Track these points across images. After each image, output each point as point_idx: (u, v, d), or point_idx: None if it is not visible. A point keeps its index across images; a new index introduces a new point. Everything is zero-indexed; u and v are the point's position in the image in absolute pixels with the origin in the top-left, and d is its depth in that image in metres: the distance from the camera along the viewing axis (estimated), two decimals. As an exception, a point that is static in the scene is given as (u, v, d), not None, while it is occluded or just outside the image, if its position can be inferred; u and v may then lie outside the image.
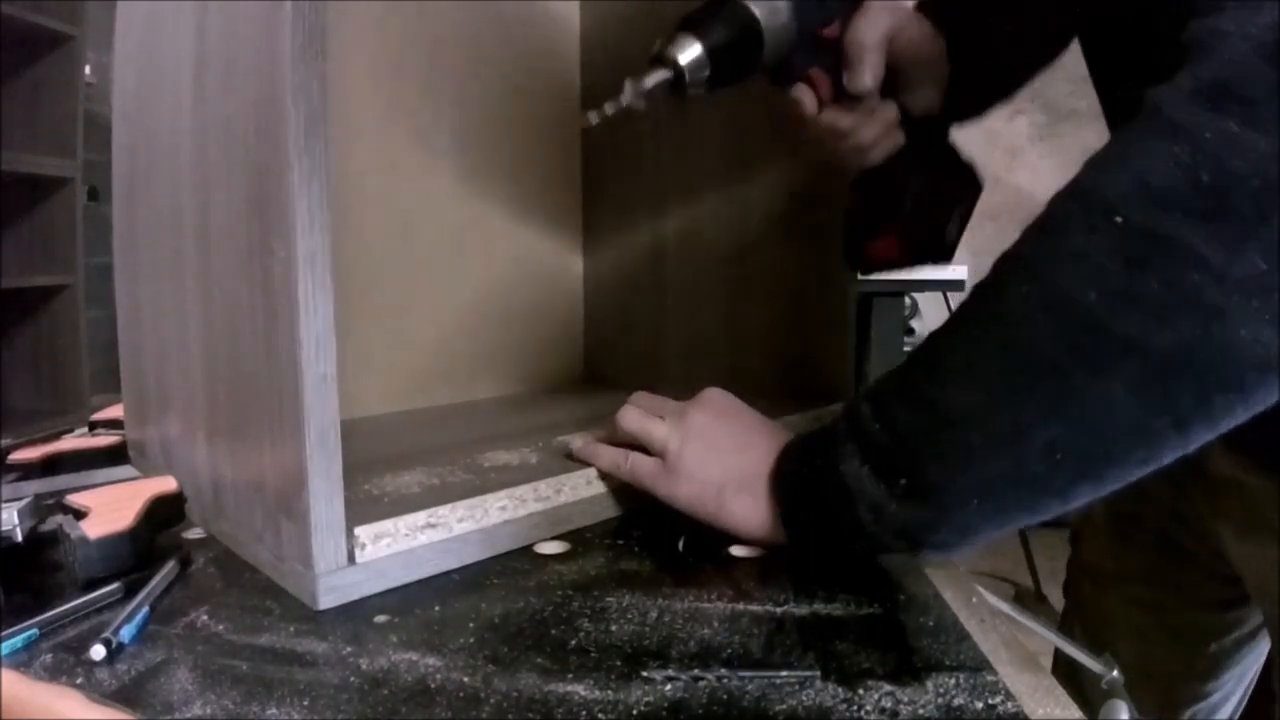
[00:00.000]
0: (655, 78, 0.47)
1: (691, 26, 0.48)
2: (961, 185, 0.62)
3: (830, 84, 0.56)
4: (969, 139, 0.63)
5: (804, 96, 0.56)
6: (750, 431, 0.54)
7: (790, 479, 0.49)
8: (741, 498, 0.51)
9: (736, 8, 0.49)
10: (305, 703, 0.35)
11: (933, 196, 0.59)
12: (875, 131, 0.58)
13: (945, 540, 0.44)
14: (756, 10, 0.49)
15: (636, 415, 0.57)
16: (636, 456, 0.56)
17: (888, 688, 0.37)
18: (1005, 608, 0.52)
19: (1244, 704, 0.77)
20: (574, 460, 0.60)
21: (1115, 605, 0.77)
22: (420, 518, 0.48)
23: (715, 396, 0.57)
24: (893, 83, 0.58)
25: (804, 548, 0.49)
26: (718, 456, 0.53)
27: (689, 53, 0.47)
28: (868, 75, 0.55)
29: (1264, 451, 0.57)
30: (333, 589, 0.44)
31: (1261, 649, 0.74)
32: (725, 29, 0.48)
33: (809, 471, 0.48)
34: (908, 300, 2.26)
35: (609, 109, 0.49)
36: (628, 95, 0.48)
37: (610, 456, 0.57)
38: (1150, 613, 0.75)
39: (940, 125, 0.62)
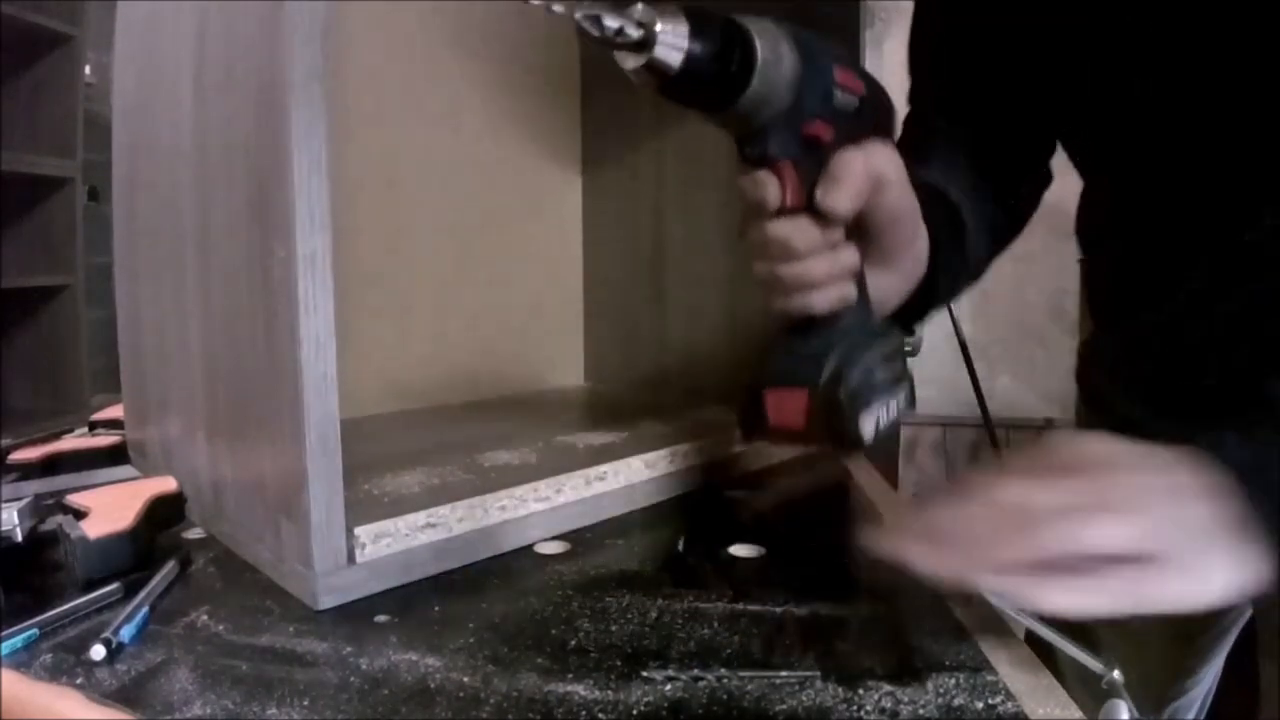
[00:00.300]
0: (617, 20, 0.40)
1: (689, 13, 0.43)
2: (894, 383, 0.51)
3: (800, 187, 0.48)
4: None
5: (769, 184, 0.48)
6: (1160, 471, 0.41)
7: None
8: (1225, 557, 0.38)
9: (739, 29, 0.44)
10: (305, 703, 0.35)
11: (858, 380, 0.48)
12: (826, 271, 0.49)
13: None
14: (758, 41, 0.44)
15: (1070, 526, 0.38)
16: (1103, 581, 0.38)
17: (888, 688, 0.37)
18: (1005, 608, 0.52)
19: (1213, 693, 0.78)
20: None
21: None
22: (420, 518, 0.48)
23: (1100, 447, 0.42)
24: (860, 237, 0.51)
25: None
26: (1177, 519, 0.39)
27: (671, 26, 0.41)
28: (845, 195, 0.48)
29: None
30: (333, 589, 0.44)
31: (1232, 637, 0.75)
32: (721, 35, 0.43)
33: None
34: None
35: (552, 5, 0.41)
36: (581, 12, 0.40)
37: (1092, 596, 0.38)
38: (1142, 617, 0.75)
39: (903, 315, 0.58)
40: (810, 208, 0.48)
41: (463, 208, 0.87)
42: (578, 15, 0.40)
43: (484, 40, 0.86)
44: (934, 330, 2.41)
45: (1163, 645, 0.75)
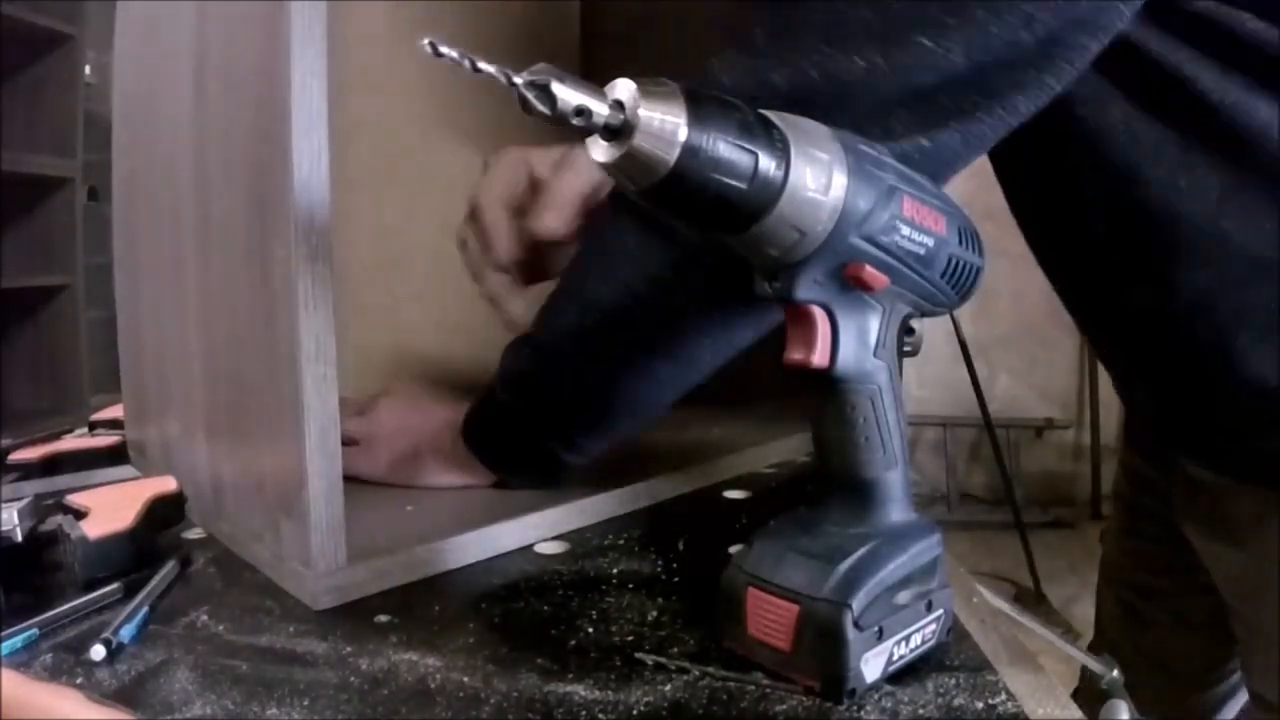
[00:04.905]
0: (577, 93, 0.30)
1: (692, 96, 0.31)
2: (923, 606, 0.40)
3: (829, 343, 0.38)
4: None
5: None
6: (428, 408, 0.62)
7: (475, 422, 0.57)
8: (436, 455, 0.58)
9: (766, 126, 0.33)
10: (305, 703, 0.35)
11: (870, 601, 0.37)
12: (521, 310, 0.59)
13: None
14: (794, 148, 0.33)
15: None
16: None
17: (888, 688, 0.37)
18: (1005, 608, 0.52)
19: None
20: None
21: (1124, 594, 0.80)
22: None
23: (398, 386, 0.67)
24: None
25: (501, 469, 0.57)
26: (408, 425, 0.60)
27: (661, 110, 0.31)
28: (554, 218, 0.56)
29: (1229, 463, 0.60)
30: (333, 589, 0.43)
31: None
32: (738, 130, 0.32)
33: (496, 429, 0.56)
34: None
35: (482, 66, 0.32)
36: (524, 78, 0.30)
37: None
38: (1153, 600, 0.77)
39: None
40: (833, 370, 0.38)
41: (462, 208, 0.87)
42: (518, 81, 0.30)
43: (485, 38, 0.86)
44: (934, 330, 2.42)
45: (1176, 635, 0.75)
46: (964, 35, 0.41)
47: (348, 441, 0.54)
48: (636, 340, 0.50)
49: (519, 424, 0.55)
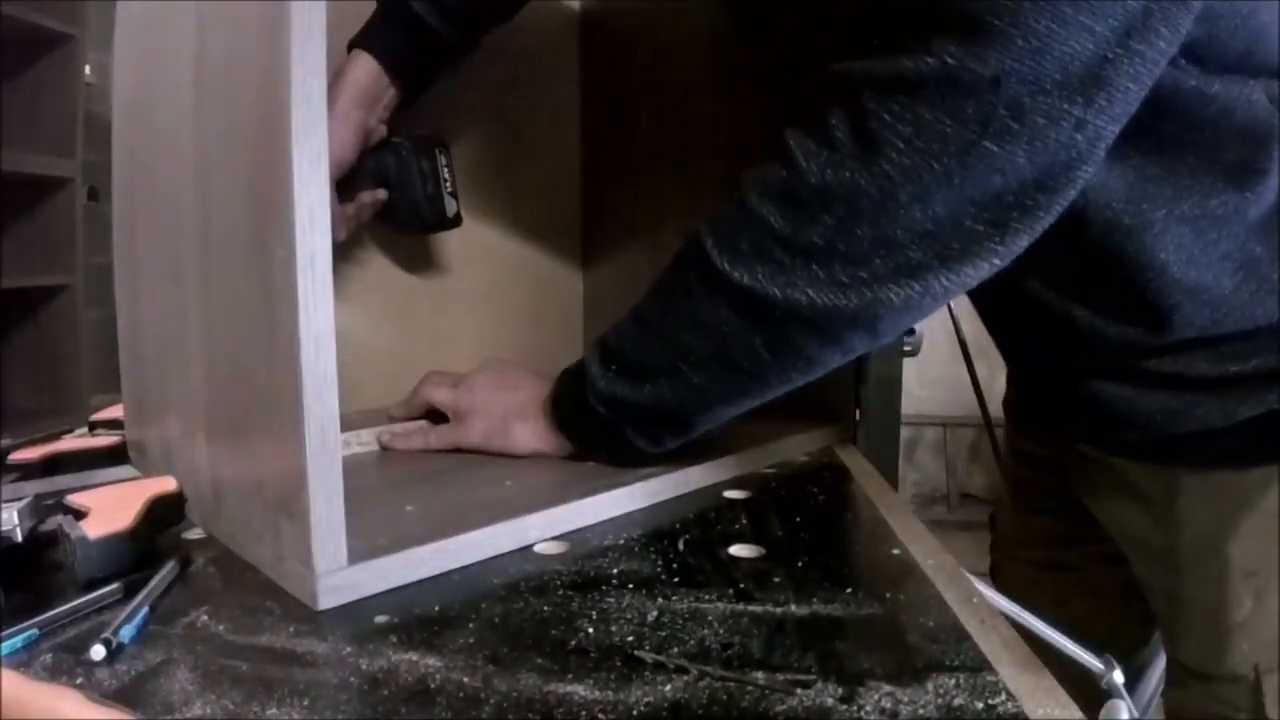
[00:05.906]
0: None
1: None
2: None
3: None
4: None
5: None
6: (518, 379, 0.68)
7: (562, 407, 0.63)
8: (524, 424, 0.64)
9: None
10: (305, 703, 0.35)
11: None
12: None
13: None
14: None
15: (428, 387, 0.71)
16: (435, 428, 0.68)
17: (888, 688, 0.37)
18: (1005, 607, 0.52)
19: None
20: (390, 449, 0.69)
21: (1027, 572, 0.82)
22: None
23: (491, 360, 0.72)
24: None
25: (584, 449, 0.63)
26: (497, 398, 0.67)
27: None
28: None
29: (1132, 448, 0.65)
30: (333, 589, 0.43)
31: None
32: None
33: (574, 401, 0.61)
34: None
35: None
36: None
37: (418, 438, 0.68)
38: (1060, 572, 0.79)
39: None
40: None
41: (464, 211, 0.87)
42: None
43: (483, 40, 0.86)
44: (934, 330, 2.41)
45: (1086, 603, 0.77)
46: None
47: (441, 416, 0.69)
48: (722, 374, 0.55)
49: (608, 426, 0.59)
